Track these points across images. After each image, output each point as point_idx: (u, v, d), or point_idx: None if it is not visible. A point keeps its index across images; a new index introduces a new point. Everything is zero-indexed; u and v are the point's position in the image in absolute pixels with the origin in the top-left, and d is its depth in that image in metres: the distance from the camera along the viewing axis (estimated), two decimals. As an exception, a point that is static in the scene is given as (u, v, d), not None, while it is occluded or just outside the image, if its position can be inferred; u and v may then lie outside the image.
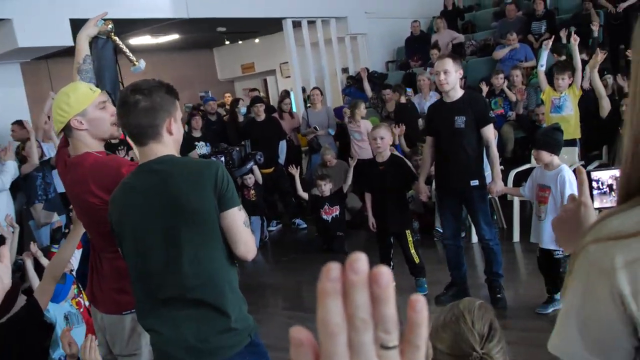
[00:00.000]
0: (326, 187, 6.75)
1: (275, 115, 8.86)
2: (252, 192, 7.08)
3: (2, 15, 6.55)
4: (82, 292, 3.87)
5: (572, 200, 1.15)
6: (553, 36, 7.03)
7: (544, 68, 6.28)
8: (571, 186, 3.85)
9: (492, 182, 4.42)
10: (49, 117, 6.08)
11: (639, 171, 0.82)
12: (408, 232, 4.94)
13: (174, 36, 10.67)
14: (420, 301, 0.49)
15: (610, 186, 1.18)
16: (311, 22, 10.29)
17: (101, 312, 2.53)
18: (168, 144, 2.11)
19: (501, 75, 7.85)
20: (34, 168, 6.12)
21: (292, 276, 5.99)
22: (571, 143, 5.96)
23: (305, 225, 7.74)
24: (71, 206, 2.77)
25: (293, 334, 0.46)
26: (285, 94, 9.84)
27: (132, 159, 7.04)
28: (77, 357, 2.46)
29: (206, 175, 2.02)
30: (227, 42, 12.17)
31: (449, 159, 4.41)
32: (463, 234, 5.64)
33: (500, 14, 10.75)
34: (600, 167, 1.23)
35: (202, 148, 8.16)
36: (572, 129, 6.00)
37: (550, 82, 6.16)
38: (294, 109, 9.80)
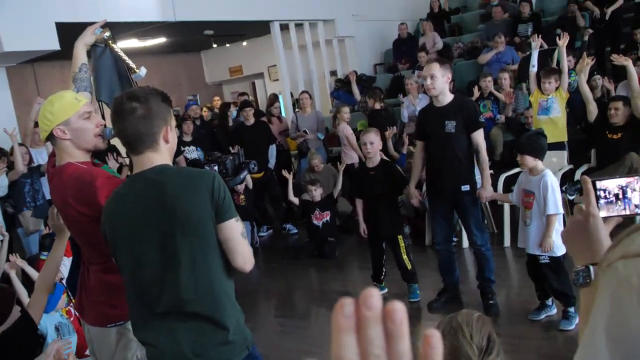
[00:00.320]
0: (317, 193, 6.74)
1: (265, 119, 8.84)
2: (242, 197, 7.06)
3: (-13, 20, 6.48)
4: (73, 300, 3.84)
5: (579, 211, 1.15)
6: (540, 35, 7.08)
7: (535, 69, 6.31)
8: (553, 192, 3.87)
9: (482, 188, 4.42)
10: (36, 123, 6.01)
11: None
12: (400, 237, 4.94)
13: (161, 39, 10.60)
14: (435, 336, 0.49)
15: (616, 195, 1.17)
16: (299, 25, 10.28)
17: (88, 323, 2.53)
18: (164, 153, 2.10)
19: (489, 78, 7.88)
20: (22, 174, 6.05)
21: (283, 282, 5.98)
22: (559, 146, 6.00)
23: (296, 231, 7.73)
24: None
25: None
26: (274, 97, 9.82)
27: (121, 165, 7.03)
28: None
29: (203, 186, 2.01)
30: (215, 45, 12.14)
31: (440, 163, 4.41)
32: (455, 239, 5.66)
33: (486, 17, 10.81)
34: (604, 176, 1.22)
35: (192, 152, 8.13)
36: (559, 131, 6.04)
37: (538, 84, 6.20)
38: (283, 113, 9.79)
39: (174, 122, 2.16)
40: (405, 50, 10.68)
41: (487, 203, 5.45)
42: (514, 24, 9.67)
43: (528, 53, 8.09)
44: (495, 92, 7.72)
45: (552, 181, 3.94)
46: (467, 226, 4.52)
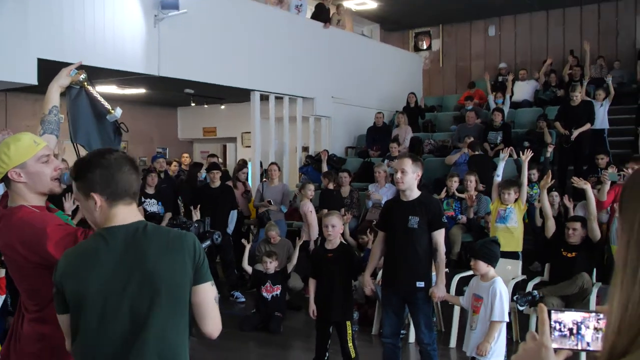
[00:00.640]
0: (271, 265, 6.67)
1: (230, 183, 8.83)
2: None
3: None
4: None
5: (532, 339, 1.15)
6: (510, 147, 7.34)
7: (499, 178, 6.50)
8: (501, 299, 3.91)
9: (436, 287, 4.43)
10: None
11: (625, 338, 0.82)
12: (349, 323, 4.86)
13: (141, 90, 10.66)
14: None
15: (570, 330, 1.18)
16: (278, 98, 10.48)
17: None
18: (138, 213, 2.08)
19: (455, 179, 8.08)
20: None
21: (220, 353, 5.79)
22: (514, 255, 6.12)
23: (243, 299, 7.58)
24: None
25: None
26: (244, 163, 9.86)
27: (77, 207, 6.87)
28: None
29: (185, 248, 1.98)
30: (193, 104, 12.24)
31: (399, 257, 4.43)
32: (403, 332, 5.61)
33: (459, 119, 11.21)
34: (560, 309, 1.23)
35: (152, 205, 8.03)
36: (514, 241, 6.18)
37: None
38: (249, 180, 9.81)
39: None
40: (378, 138, 10.93)
41: (438, 302, 5.45)
42: (485, 130, 10.03)
43: (477, 153, 8.41)
44: (458, 194, 7.89)
45: (502, 289, 3.99)
46: (417, 323, 4.50)
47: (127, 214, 2.00)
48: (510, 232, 6.13)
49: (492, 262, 4.13)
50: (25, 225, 2.27)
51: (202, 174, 9.11)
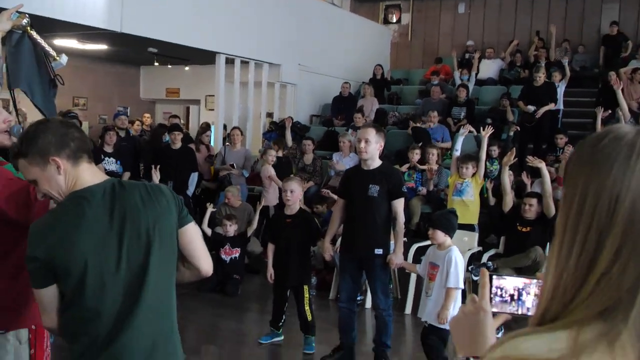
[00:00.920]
0: (231, 228, 6.66)
1: (192, 145, 8.72)
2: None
3: None
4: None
5: (472, 302, 1.15)
6: (468, 124, 7.43)
7: (458, 153, 6.59)
8: (456, 267, 4.00)
9: (393, 254, 4.49)
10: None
11: (558, 304, 0.83)
12: (306, 287, 4.91)
13: (102, 46, 10.36)
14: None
15: (512, 296, 1.20)
16: (244, 62, 10.33)
17: None
18: (102, 172, 2.05)
19: (417, 151, 8.16)
20: None
21: (177, 314, 5.77)
22: (469, 228, 6.25)
23: (201, 262, 7.55)
24: None
25: None
26: (206, 126, 9.74)
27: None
28: None
29: (165, 194, 1.97)
30: (156, 64, 11.97)
31: (358, 224, 4.46)
32: (360, 298, 5.68)
33: (425, 93, 11.27)
34: (503, 274, 1.25)
35: (111, 164, 7.88)
36: (469, 214, 6.32)
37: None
38: (212, 143, 9.70)
39: None
40: (343, 108, 10.91)
41: (395, 269, 5.53)
42: (449, 105, 10.11)
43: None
44: (419, 166, 7.98)
45: (457, 257, 4.07)
46: (373, 288, 4.56)
47: (94, 173, 1.95)
48: (465, 205, 6.25)
49: (450, 232, 4.21)
50: None
51: (167, 136, 8.96)
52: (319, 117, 11.86)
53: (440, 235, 4.15)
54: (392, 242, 4.62)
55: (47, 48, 2.93)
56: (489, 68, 11.89)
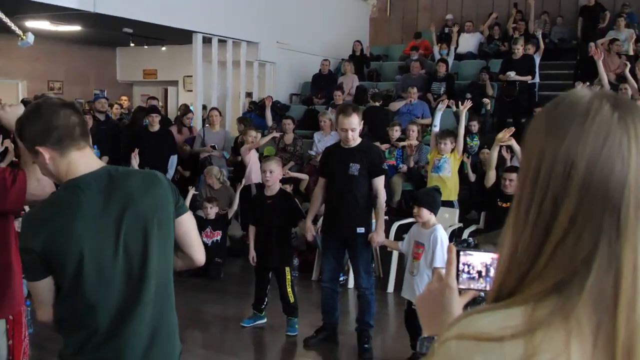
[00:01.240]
0: (212, 211, 6.61)
1: (172, 128, 8.61)
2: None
3: None
4: None
5: (438, 278, 1.12)
6: (447, 98, 7.39)
7: (437, 129, 6.56)
8: (442, 247, 3.99)
9: (375, 232, 4.48)
10: None
11: (513, 277, 0.81)
12: (287, 269, 4.89)
13: (76, 28, 10.15)
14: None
15: (479, 272, 1.17)
16: (222, 41, 10.18)
17: None
18: (97, 158, 1.97)
19: (397, 128, 8.14)
20: None
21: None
22: (448, 204, 6.24)
23: (183, 246, 7.50)
24: None
25: None
26: (186, 108, 9.62)
27: (6, 149, 6.57)
28: None
29: (162, 182, 1.96)
30: (132, 45, 11.77)
31: (339, 203, 4.44)
32: (342, 278, 5.68)
33: (404, 69, 11.21)
34: (472, 248, 1.22)
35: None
36: (448, 190, 6.29)
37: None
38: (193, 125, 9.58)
39: None
40: (323, 86, 10.83)
41: (377, 248, 5.53)
42: (429, 81, 10.07)
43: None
44: (396, 143, 7.96)
45: (442, 236, 4.06)
46: (356, 268, 4.55)
47: (88, 160, 1.88)
48: (443, 182, 6.22)
49: (435, 209, 4.20)
50: None
51: (146, 119, 8.84)
52: (298, 95, 11.77)
53: (426, 213, 4.13)
54: (373, 220, 4.61)
55: (14, 27, 2.84)
56: (468, 42, 11.84)
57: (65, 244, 1.77)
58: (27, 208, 2.42)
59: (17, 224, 2.42)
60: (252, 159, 7.54)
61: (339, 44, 12.31)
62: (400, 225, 6.12)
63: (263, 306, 5.05)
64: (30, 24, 8.90)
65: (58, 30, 10.15)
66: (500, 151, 7.37)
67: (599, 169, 0.76)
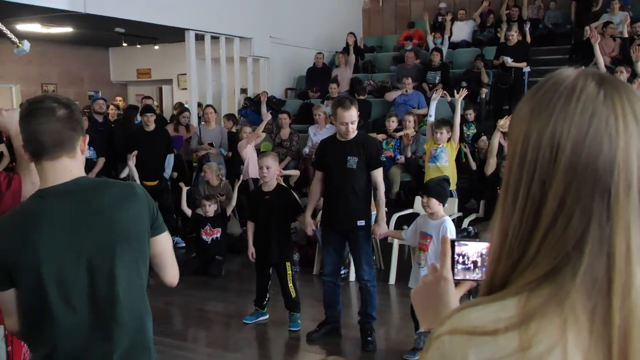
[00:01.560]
0: (210, 208, 6.59)
1: (168, 127, 8.57)
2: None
3: None
4: None
5: (433, 271, 1.10)
6: (441, 88, 7.37)
7: (432, 118, 6.54)
8: (451, 237, 3.97)
9: (376, 224, 4.47)
10: None
11: (505, 266, 0.79)
12: (288, 264, 4.88)
13: (68, 29, 10.09)
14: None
15: (475, 262, 1.15)
16: (215, 38, 10.13)
17: None
18: (80, 163, 1.85)
19: (394, 119, 8.11)
20: None
21: (162, 299, 5.71)
22: (445, 193, 6.22)
23: (183, 244, 7.50)
24: None
25: None
26: (181, 106, 9.58)
27: (1, 154, 6.53)
28: None
29: (139, 197, 1.87)
30: (125, 44, 11.70)
31: (338, 197, 4.42)
32: (344, 271, 5.67)
33: (399, 59, 11.16)
34: (467, 238, 1.19)
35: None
36: None
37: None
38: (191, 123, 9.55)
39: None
40: (318, 79, 10.78)
41: (377, 239, 5.52)
42: (424, 70, 10.03)
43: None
44: (393, 133, 7.93)
45: (451, 228, 4.05)
46: (357, 260, 4.53)
47: (57, 171, 1.77)
48: (440, 171, 6.20)
49: (444, 200, 4.19)
50: None
51: (138, 117, 8.80)
52: (293, 90, 11.72)
53: (435, 204, 4.11)
54: (373, 212, 4.60)
55: (9, 34, 2.82)
56: (461, 30, 11.79)
57: (22, 257, 1.71)
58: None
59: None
60: (249, 153, 7.52)
61: (332, 37, 12.26)
62: (399, 217, 6.10)
63: (265, 302, 5.04)
64: (21, 27, 8.84)
65: (49, 32, 10.09)
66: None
67: (586, 150, 0.74)
